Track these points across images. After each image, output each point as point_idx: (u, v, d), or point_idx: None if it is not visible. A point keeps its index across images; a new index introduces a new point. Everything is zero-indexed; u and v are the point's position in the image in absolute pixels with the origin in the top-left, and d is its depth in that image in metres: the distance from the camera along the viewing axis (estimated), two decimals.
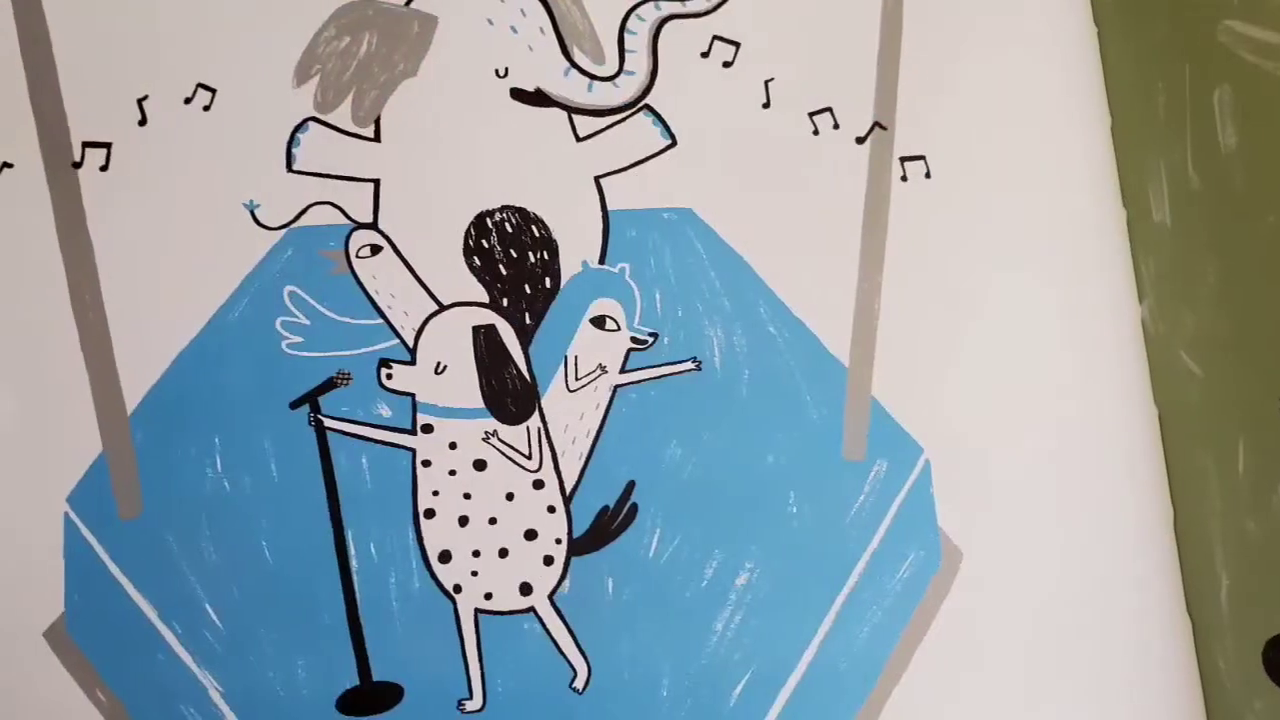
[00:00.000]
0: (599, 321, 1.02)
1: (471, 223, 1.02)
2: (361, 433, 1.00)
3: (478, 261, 1.01)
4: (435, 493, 1.00)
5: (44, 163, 0.99)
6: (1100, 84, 1.08)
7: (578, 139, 1.03)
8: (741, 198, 1.04)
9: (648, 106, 1.04)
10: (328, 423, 0.99)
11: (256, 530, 0.98)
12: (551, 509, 1.00)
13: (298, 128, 1.02)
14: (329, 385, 1.00)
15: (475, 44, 1.03)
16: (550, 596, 1.00)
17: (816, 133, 1.05)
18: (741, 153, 1.04)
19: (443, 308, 1.01)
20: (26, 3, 1.00)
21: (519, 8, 1.03)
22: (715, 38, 1.04)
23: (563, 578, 1.00)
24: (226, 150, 1.01)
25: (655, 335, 1.02)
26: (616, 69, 1.03)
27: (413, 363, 1.00)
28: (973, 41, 1.07)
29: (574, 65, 1.03)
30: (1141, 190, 1.05)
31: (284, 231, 1.01)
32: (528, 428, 1.01)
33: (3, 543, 0.96)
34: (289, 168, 1.01)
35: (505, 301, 1.01)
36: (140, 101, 1.00)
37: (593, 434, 1.01)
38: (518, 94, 1.03)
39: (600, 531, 1.01)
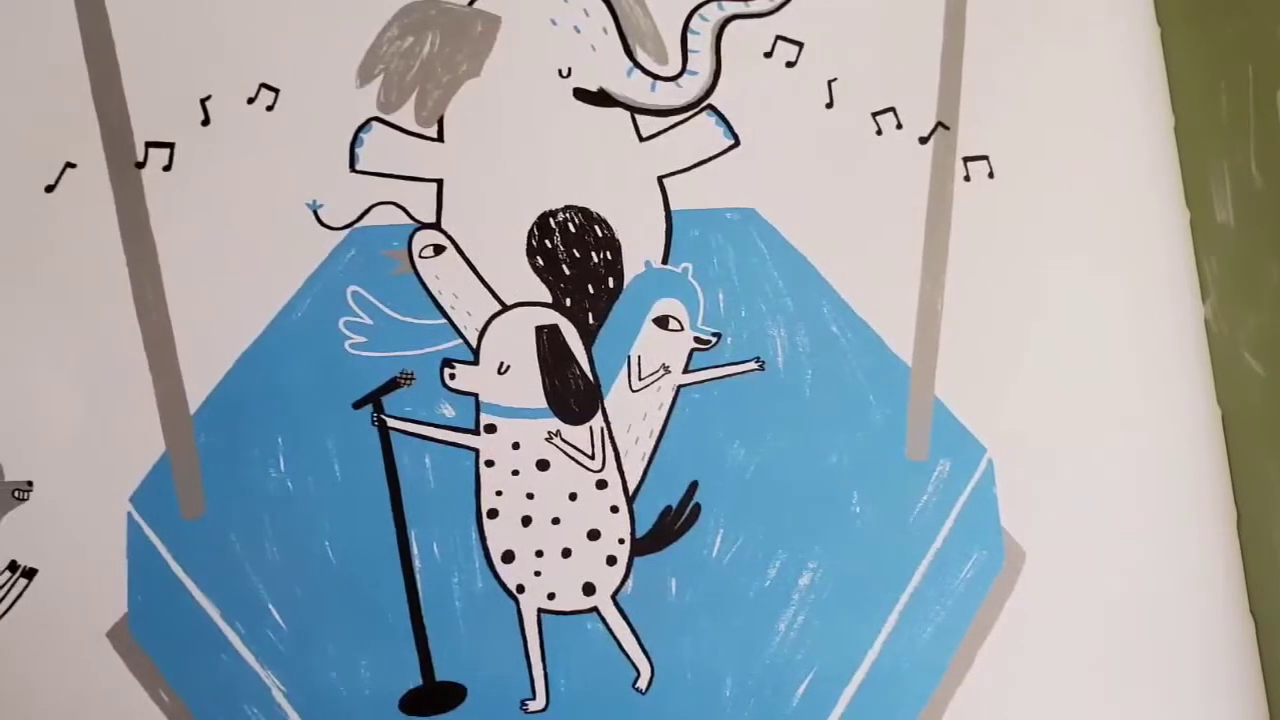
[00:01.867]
0: (662, 321, 0.95)
1: (535, 223, 0.95)
2: (425, 433, 0.93)
3: (541, 261, 0.94)
4: (498, 493, 0.93)
5: (108, 163, 0.93)
6: (1163, 84, 1.01)
7: (641, 139, 0.96)
8: (805, 197, 0.97)
9: (711, 106, 0.96)
10: (391, 423, 0.93)
11: (319, 530, 0.92)
12: (615, 509, 0.93)
13: (361, 127, 0.95)
14: (392, 385, 0.93)
15: (538, 44, 0.97)
16: (613, 596, 0.93)
17: (880, 132, 0.97)
18: (805, 153, 0.97)
19: (506, 308, 0.94)
20: (90, 3, 0.94)
21: (582, 8, 0.95)
22: (778, 37, 0.97)
23: (626, 578, 0.93)
24: (290, 150, 0.94)
25: (718, 335, 0.95)
26: (680, 69, 0.96)
27: (476, 363, 0.94)
28: (1036, 41, 0.99)
29: (637, 65, 0.95)
30: (1204, 190, 0.98)
31: (347, 231, 0.94)
32: (591, 428, 0.93)
33: (66, 543, 0.90)
34: (352, 168, 0.95)
35: (568, 301, 0.94)
36: (204, 101, 0.94)
37: (656, 434, 0.94)
38: (581, 94, 0.95)
39: (663, 531, 0.94)
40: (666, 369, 0.94)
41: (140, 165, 0.93)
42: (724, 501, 0.94)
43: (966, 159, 0.98)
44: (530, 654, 0.92)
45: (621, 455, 0.94)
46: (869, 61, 0.98)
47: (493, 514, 0.93)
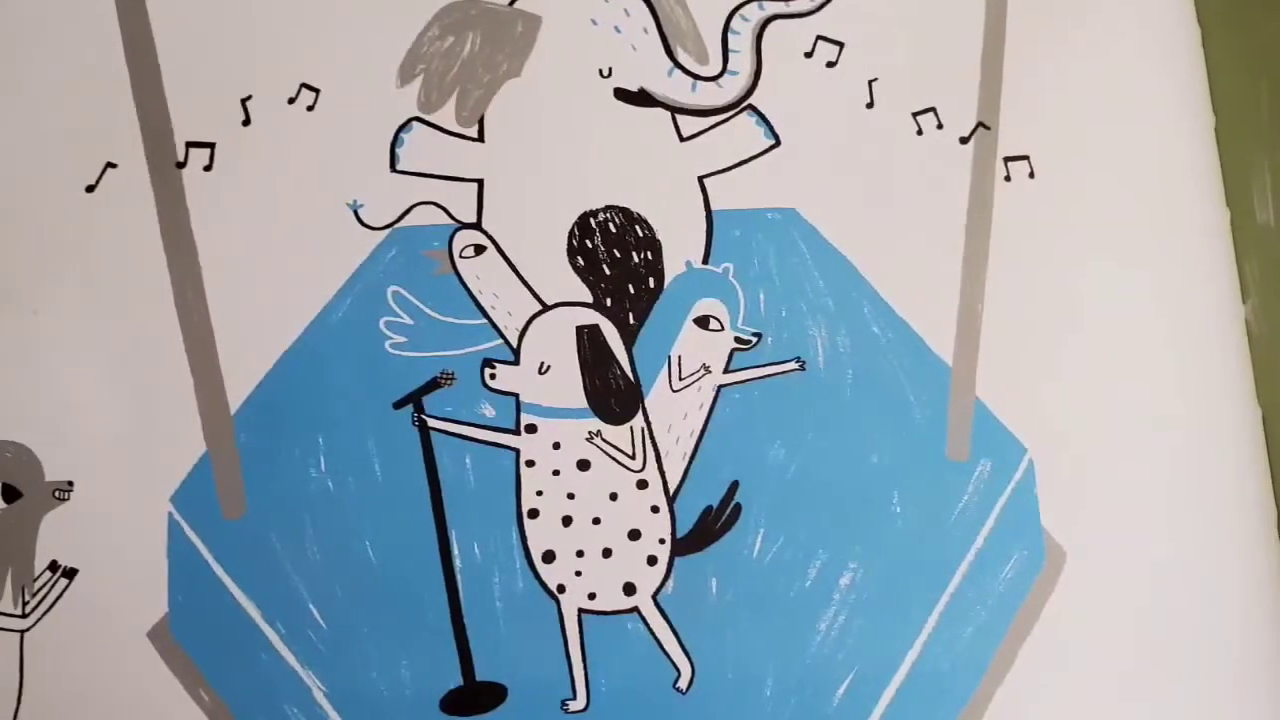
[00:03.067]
0: (703, 321, 0.90)
1: (575, 223, 0.91)
2: (465, 433, 0.89)
3: (581, 261, 0.89)
4: (539, 493, 0.89)
5: (148, 163, 0.89)
6: (1204, 84, 0.96)
7: (681, 139, 0.92)
8: (845, 198, 0.92)
9: (751, 106, 0.92)
10: (431, 423, 0.89)
11: (360, 530, 0.87)
12: (655, 509, 0.89)
13: (402, 128, 0.91)
14: (433, 385, 0.89)
15: (579, 44, 0.92)
16: (654, 596, 0.89)
17: (920, 133, 0.93)
18: (845, 153, 0.93)
19: (546, 308, 0.90)
20: (131, 4, 0.90)
21: (623, 8, 0.91)
22: (819, 37, 0.92)
23: (666, 578, 0.89)
24: (330, 150, 0.90)
25: (759, 335, 0.90)
26: (720, 69, 0.91)
27: (516, 363, 0.89)
28: (1076, 41, 0.95)
29: (678, 65, 0.91)
30: (1245, 190, 0.94)
31: (388, 231, 0.90)
32: (631, 428, 0.89)
33: (107, 543, 0.86)
34: (393, 168, 0.91)
35: (609, 301, 0.90)
36: (244, 101, 0.90)
37: (696, 434, 0.90)
38: (621, 94, 0.91)
39: (704, 531, 0.89)
40: (707, 369, 0.90)
41: (181, 165, 0.89)
42: (764, 501, 0.89)
43: (1007, 159, 0.93)
44: (571, 654, 0.88)
45: (662, 455, 0.89)
46: (910, 62, 0.93)
47: (533, 514, 0.88)
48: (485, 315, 0.89)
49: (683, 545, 0.89)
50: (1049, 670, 0.89)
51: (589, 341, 0.89)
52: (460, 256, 0.89)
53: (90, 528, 0.86)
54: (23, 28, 0.89)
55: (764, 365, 0.90)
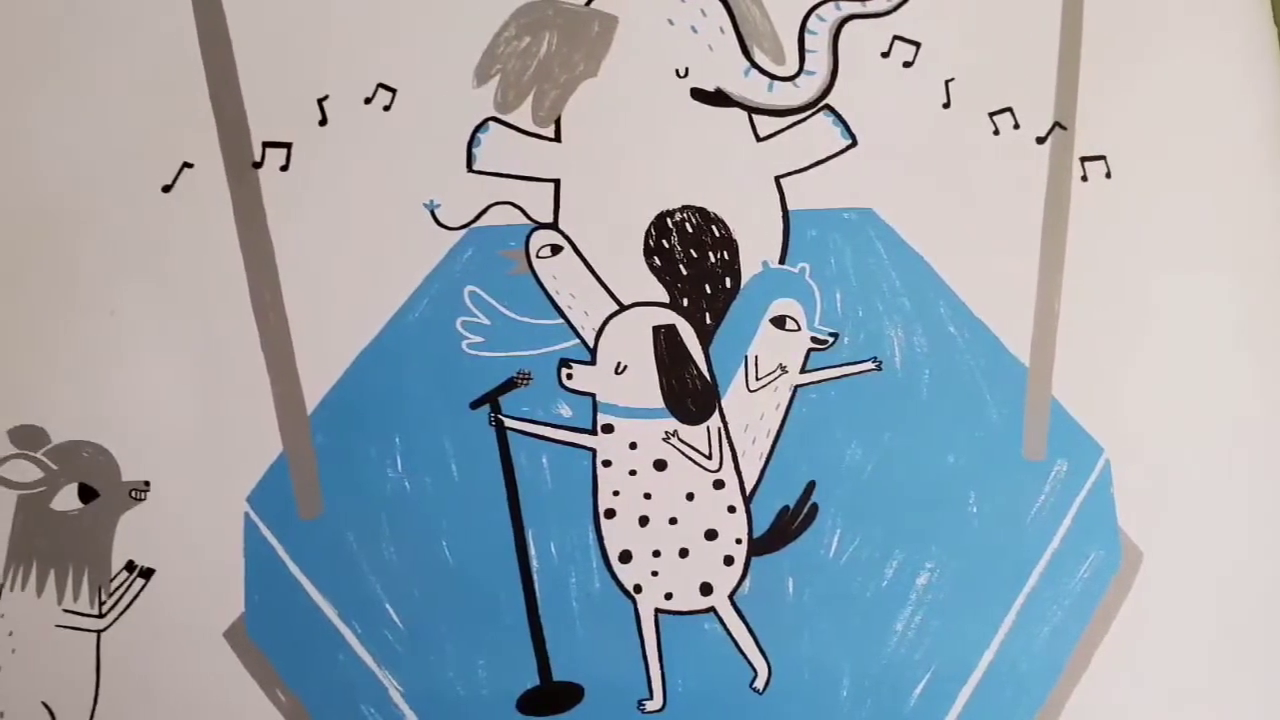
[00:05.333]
0: (779, 321, 0.83)
1: (652, 223, 0.84)
2: (542, 433, 0.82)
3: (658, 261, 0.82)
4: (616, 493, 0.82)
5: (225, 163, 0.82)
6: None
7: (758, 139, 0.85)
8: (922, 198, 0.85)
9: (828, 106, 0.85)
10: (508, 423, 0.82)
11: (437, 530, 0.81)
12: (732, 509, 0.82)
13: (478, 128, 0.84)
14: (509, 385, 0.82)
15: (656, 44, 0.85)
16: (731, 596, 0.82)
17: (997, 133, 0.85)
18: (922, 153, 0.85)
19: (623, 308, 0.83)
20: (208, 4, 0.83)
21: (699, 7, 0.83)
22: (896, 37, 0.85)
23: (743, 578, 0.82)
24: (407, 150, 0.83)
25: (835, 335, 0.83)
26: (797, 69, 0.84)
27: (593, 363, 0.82)
28: (1153, 41, 0.88)
29: (754, 65, 0.83)
30: None
31: (464, 231, 0.83)
32: (708, 428, 0.82)
33: (184, 543, 0.80)
34: (469, 168, 0.83)
35: (685, 301, 0.82)
36: (320, 101, 0.83)
37: (773, 434, 0.83)
38: (698, 94, 0.84)
39: (781, 531, 0.82)
40: (784, 369, 0.82)
41: (257, 165, 0.82)
42: (841, 501, 0.82)
43: (1084, 159, 0.86)
44: (647, 654, 0.81)
45: (739, 455, 0.83)
46: (986, 61, 0.86)
47: (610, 514, 0.82)
48: (562, 315, 0.82)
49: (759, 545, 0.82)
50: (1125, 670, 0.82)
51: (666, 341, 0.81)
52: (537, 256, 0.82)
53: (167, 528, 0.80)
54: (99, 28, 0.83)
55: (841, 365, 0.83)
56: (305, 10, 0.83)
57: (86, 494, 0.80)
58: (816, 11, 0.84)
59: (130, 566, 0.80)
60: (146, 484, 0.80)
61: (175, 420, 0.80)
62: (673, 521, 0.81)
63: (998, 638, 0.82)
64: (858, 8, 0.85)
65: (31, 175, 0.81)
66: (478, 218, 0.83)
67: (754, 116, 0.85)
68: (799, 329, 0.83)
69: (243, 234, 0.81)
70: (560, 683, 0.80)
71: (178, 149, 0.82)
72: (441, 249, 0.82)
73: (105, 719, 0.78)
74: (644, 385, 0.82)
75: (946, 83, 0.85)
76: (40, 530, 0.80)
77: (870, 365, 0.83)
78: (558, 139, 0.84)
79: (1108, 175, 0.86)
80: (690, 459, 0.82)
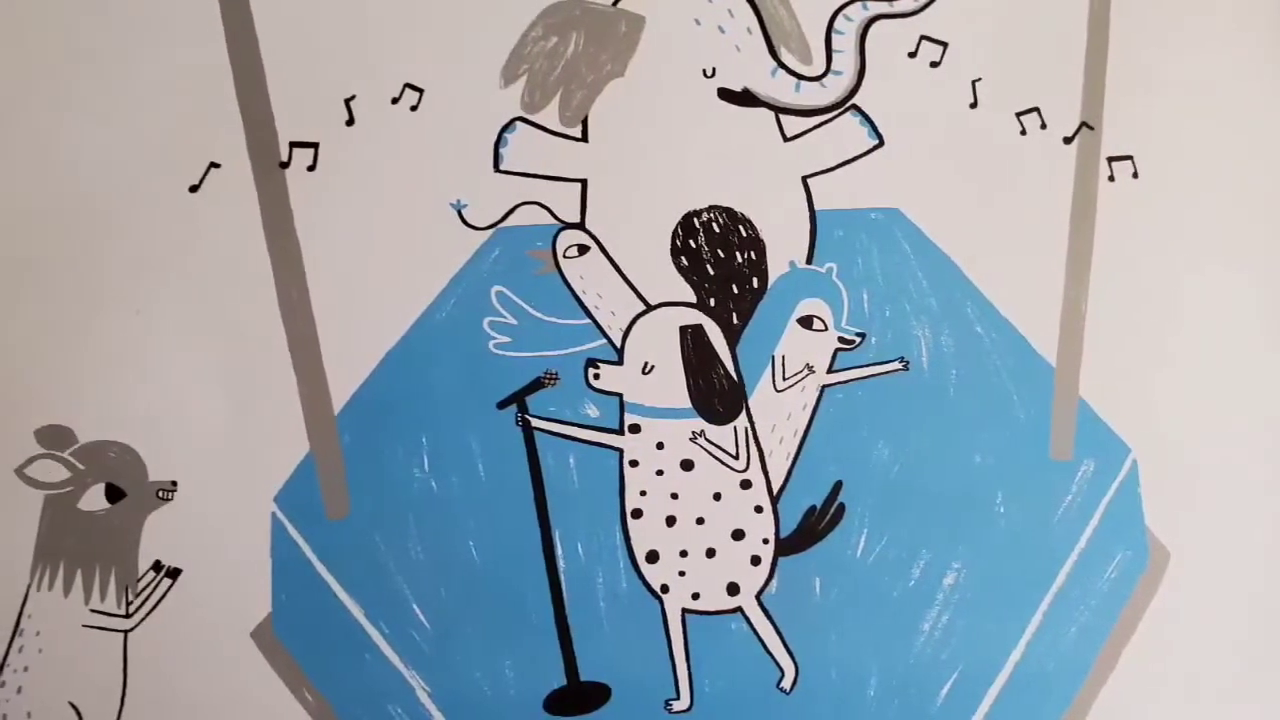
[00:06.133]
0: (806, 321, 0.81)
1: (679, 222, 0.82)
2: (569, 433, 0.80)
3: (685, 261, 0.81)
4: (643, 493, 0.80)
5: (251, 163, 0.80)
6: None
7: (785, 139, 0.83)
8: (949, 198, 0.83)
9: (855, 106, 0.83)
10: (535, 423, 0.80)
11: (463, 530, 0.79)
12: (759, 509, 0.80)
13: (505, 127, 0.82)
14: (536, 385, 0.80)
15: (683, 44, 0.83)
16: (758, 596, 0.80)
17: (1024, 133, 0.84)
18: (949, 153, 0.84)
19: (650, 308, 0.81)
20: (235, 5, 0.81)
21: (726, 8, 0.82)
22: (923, 37, 0.83)
23: (770, 578, 0.80)
24: (433, 150, 0.81)
25: (863, 335, 0.82)
26: (824, 69, 0.82)
27: (620, 363, 0.80)
28: (1181, 41, 0.86)
29: (781, 65, 0.82)
30: None
31: (491, 231, 0.81)
32: (735, 428, 0.80)
33: (210, 543, 0.78)
34: (496, 168, 0.81)
35: (712, 301, 0.81)
36: (348, 101, 0.81)
37: (800, 434, 0.81)
38: (725, 94, 0.82)
39: (808, 531, 0.81)
40: (810, 369, 0.81)
41: (284, 165, 0.80)
42: (868, 501, 0.81)
43: (1111, 159, 0.84)
44: (674, 654, 0.80)
45: (765, 455, 0.81)
46: (1013, 61, 0.84)
47: (637, 514, 0.80)
48: (589, 315, 0.81)
49: (786, 545, 0.81)
50: (1153, 671, 0.81)
51: (693, 341, 0.80)
52: (564, 256, 0.81)
53: (193, 528, 0.78)
54: (126, 27, 0.81)
55: (867, 365, 0.82)
56: (332, 10, 0.81)
57: (113, 494, 0.79)
58: (844, 11, 0.83)
59: (157, 566, 0.79)
60: (173, 484, 0.79)
61: (202, 420, 0.79)
62: (700, 521, 0.80)
63: (1025, 638, 0.80)
64: (885, 8, 0.83)
65: (57, 175, 0.80)
66: (505, 218, 0.81)
67: (781, 116, 0.83)
68: (826, 329, 0.82)
69: (270, 234, 0.80)
70: (587, 683, 0.79)
71: (205, 149, 0.80)
72: (468, 249, 0.81)
73: (132, 719, 0.77)
74: (671, 385, 0.81)
75: (974, 83, 0.84)
76: (67, 530, 0.79)
77: (897, 365, 0.82)
78: (585, 139, 0.82)
79: (1135, 175, 0.84)
80: (717, 459, 0.81)
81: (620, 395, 0.81)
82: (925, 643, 0.80)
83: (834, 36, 0.83)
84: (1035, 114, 0.84)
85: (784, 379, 0.81)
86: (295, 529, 0.79)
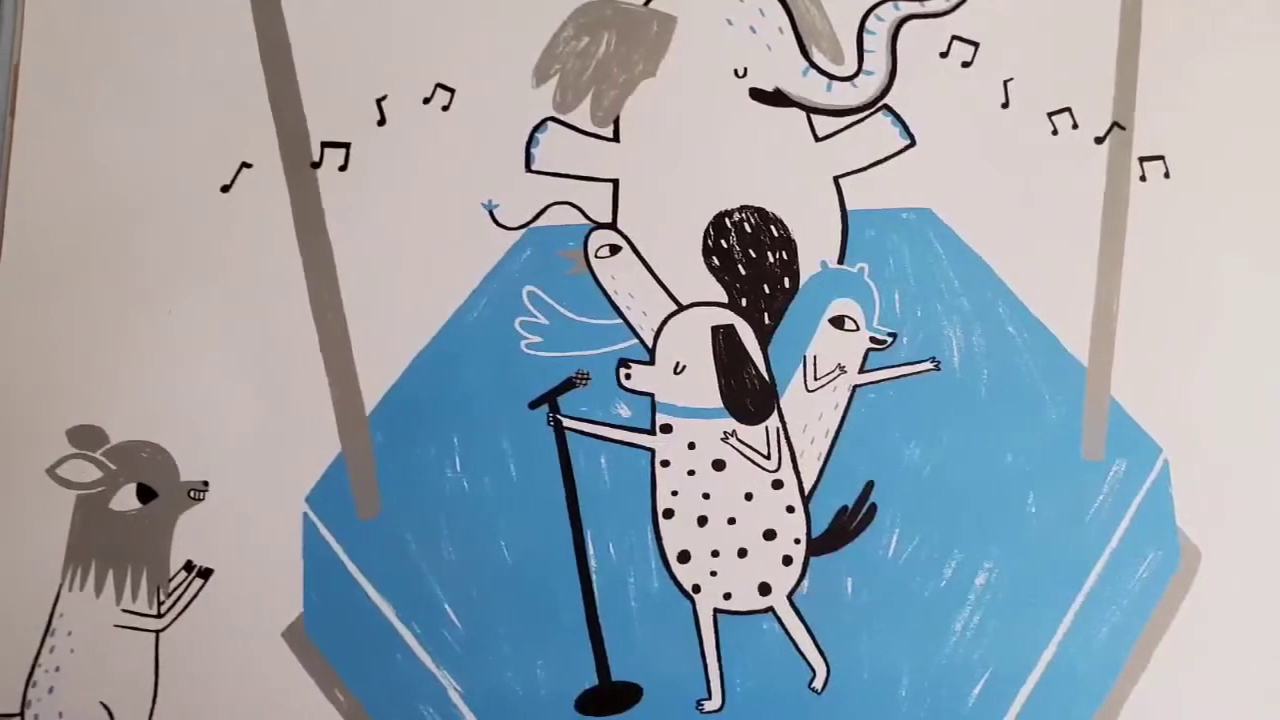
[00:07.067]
0: (838, 321, 0.80)
1: (711, 222, 0.81)
2: (600, 432, 0.79)
3: (717, 261, 0.80)
4: (674, 493, 0.79)
5: (283, 163, 0.80)
6: None
7: (816, 139, 0.82)
8: (980, 198, 0.82)
9: (886, 106, 0.82)
10: (566, 423, 0.79)
11: (495, 530, 0.78)
12: (790, 509, 0.79)
13: (537, 128, 0.81)
14: (568, 385, 0.79)
15: (714, 44, 0.82)
16: (789, 596, 0.79)
17: (1055, 133, 0.83)
18: (980, 153, 0.83)
19: (682, 308, 0.80)
20: (267, 5, 0.80)
21: (758, 8, 0.81)
22: (954, 38, 0.82)
23: (801, 577, 0.79)
24: (465, 150, 0.80)
25: (894, 335, 0.80)
26: (855, 69, 0.81)
27: (652, 363, 0.79)
28: (1211, 41, 0.85)
29: (813, 65, 0.81)
30: None
31: (523, 231, 0.81)
32: (766, 428, 0.79)
33: (242, 543, 0.77)
34: (528, 168, 0.81)
35: (744, 301, 0.80)
36: (379, 102, 0.80)
37: (831, 434, 0.80)
38: (756, 94, 0.81)
39: (839, 531, 0.79)
40: (842, 369, 0.80)
41: (316, 165, 0.80)
42: (900, 501, 0.80)
43: (1142, 159, 0.83)
44: (706, 654, 0.78)
45: (797, 455, 0.80)
46: (1045, 61, 0.83)
47: (668, 514, 0.79)
48: (620, 315, 0.80)
49: (818, 545, 0.79)
50: (1184, 670, 0.80)
51: (724, 341, 0.79)
52: (595, 256, 0.80)
53: (225, 528, 0.77)
54: (159, 29, 0.80)
55: (899, 365, 0.81)
56: (364, 11, 0.80)
57: (145, 494, 0.78)
58: (875, 11, 0.82)
59: (189, 566, 0.77)
60: (205, 484, 0.78)
61: (234, 420, 0.78)
62: (731, 521, 0.79)
63: (1056, 638, 0.79)
64: (916, 8, 0.82)
65: (91, 176, 0.79)
66: (536, 218, 0.80)
67: (812, 116, 0.82)
68: (858, 329, 0.81)
69: (301, 234, 0.79)
70: (619, 683, 0.77)
71: (237, 149, 0.79)
72: (500, 249, 0.80)
73: (164, 719, 0.76)
74: (703, 385, 0.79)
75: (1005, 83, 0.83)
76: (99, 530, 0.77)
77: (929, 365, 0.81)
78: (616, 139, 0.81)
79: (1166, 175, 0.83)
80: (749, 459, 0.79)
81: (652, 395, 0.80)
82: (957, 643, 0.79)
83: (865, 36, 0.82)
84: (1067, 114, 0.83)
85: (816, 379, 0.80)
86: (327, 529, 0.78)
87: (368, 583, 0.78)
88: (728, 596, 0.79)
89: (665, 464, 0.79)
